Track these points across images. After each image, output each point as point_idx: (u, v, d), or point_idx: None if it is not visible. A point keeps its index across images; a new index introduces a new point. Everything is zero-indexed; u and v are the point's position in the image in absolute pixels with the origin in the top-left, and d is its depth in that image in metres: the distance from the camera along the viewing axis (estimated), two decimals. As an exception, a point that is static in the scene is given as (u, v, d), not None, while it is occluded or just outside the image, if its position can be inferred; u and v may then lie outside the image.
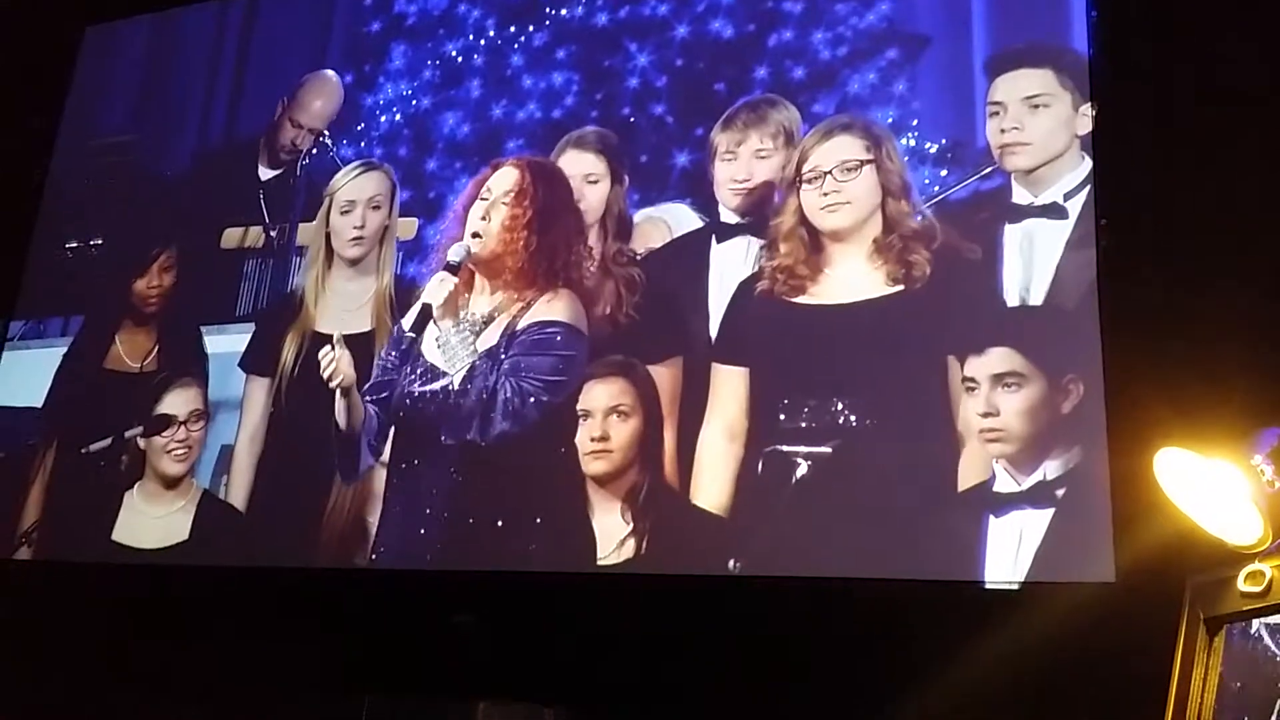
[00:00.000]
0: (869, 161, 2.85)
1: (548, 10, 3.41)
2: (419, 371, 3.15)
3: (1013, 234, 2.69)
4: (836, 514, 2.65)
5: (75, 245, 3.95)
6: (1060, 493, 2.47)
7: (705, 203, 3.04)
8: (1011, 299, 2.65)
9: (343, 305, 3.39)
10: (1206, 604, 2.01)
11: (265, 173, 3.71)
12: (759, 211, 2.95)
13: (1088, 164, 2.67)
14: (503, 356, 3.06)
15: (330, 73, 3.71)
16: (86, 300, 3.85)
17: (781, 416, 2.75)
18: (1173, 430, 2.05)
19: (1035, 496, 2.49)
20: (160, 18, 4.14)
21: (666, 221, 3.07)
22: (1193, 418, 2.11)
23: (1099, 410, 2.46)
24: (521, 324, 3.08)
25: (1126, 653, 2.21)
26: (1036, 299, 2.62)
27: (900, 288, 2.74)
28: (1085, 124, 2.69)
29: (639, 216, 3.10)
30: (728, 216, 3.00)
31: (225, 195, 3.75)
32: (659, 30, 3.24)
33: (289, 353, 3.40)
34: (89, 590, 3.39)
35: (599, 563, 2.83)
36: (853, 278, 2.80)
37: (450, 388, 3.10)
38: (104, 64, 4.20)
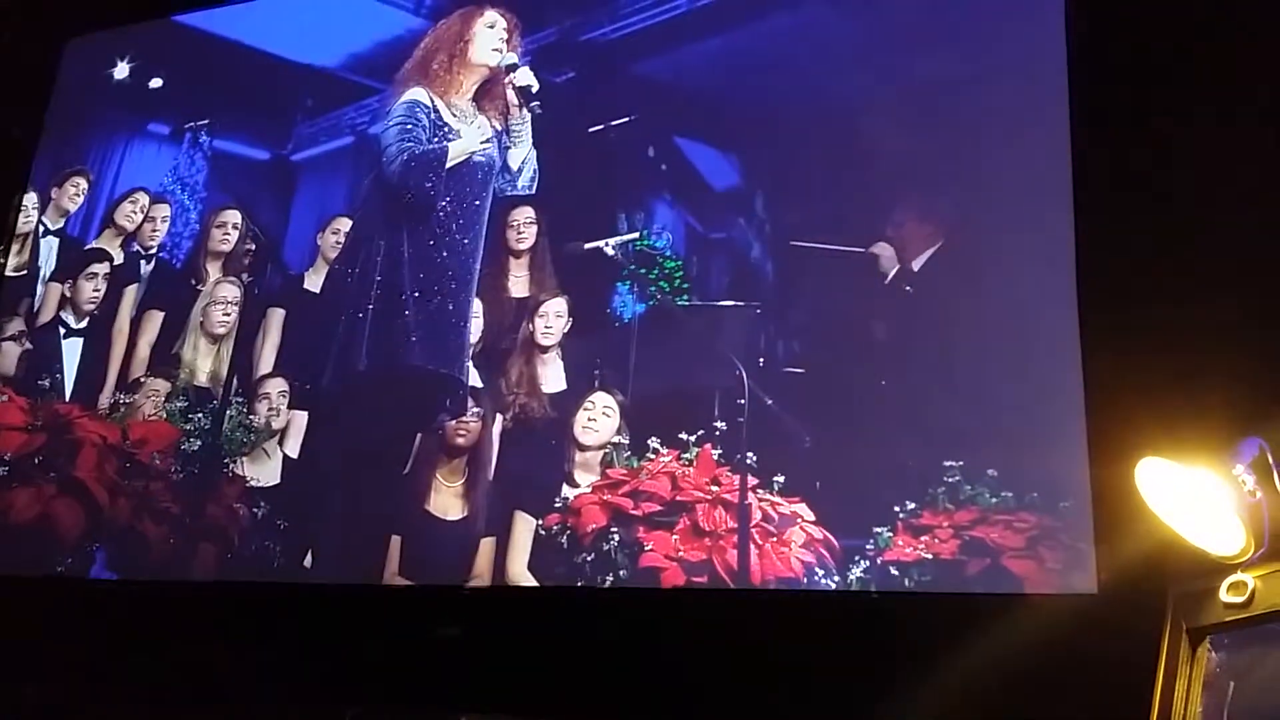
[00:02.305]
0: None
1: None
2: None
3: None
4: (816, 522, 2.65)
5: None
6: (1041, 503, 2.46)
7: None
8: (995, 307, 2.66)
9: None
10: (1189, 615, 2.01)
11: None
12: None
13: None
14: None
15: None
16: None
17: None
18: (1154, 440, 2.05)
19: (1015, 506, 2.48)
20: (139, 31, 4.12)
21: None
22: (1174, 428, 2.11)
23: (1080, 420, 2.45)
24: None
25: (1108, 664, 2.21)
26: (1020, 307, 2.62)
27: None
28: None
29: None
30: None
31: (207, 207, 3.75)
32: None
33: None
34: (73, 603, 3.36)
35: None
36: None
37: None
38: (84, 78, 4.17)
